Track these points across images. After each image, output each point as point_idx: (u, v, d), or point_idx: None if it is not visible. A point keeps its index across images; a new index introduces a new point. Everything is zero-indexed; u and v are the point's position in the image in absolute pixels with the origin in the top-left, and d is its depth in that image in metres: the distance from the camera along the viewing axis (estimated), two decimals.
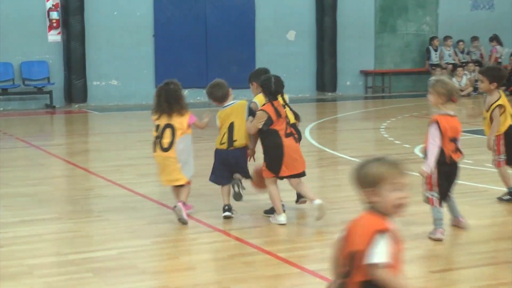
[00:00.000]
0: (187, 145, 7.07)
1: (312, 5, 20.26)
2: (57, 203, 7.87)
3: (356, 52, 20.72)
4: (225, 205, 7.10)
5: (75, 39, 17.84)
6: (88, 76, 18.15)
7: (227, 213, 7.06)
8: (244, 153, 7.10)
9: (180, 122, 7.01)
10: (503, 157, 7.52)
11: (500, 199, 7.64)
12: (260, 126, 6.83)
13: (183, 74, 19.06)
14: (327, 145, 11.61)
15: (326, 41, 20.10)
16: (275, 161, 6.81)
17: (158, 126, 7.05)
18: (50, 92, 17.80)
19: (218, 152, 7.12)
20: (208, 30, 18.89)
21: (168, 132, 6.99)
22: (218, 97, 7.12)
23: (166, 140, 6.98)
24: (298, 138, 7.09)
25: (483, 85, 7.56)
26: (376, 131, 13.44)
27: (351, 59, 20.66)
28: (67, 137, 14.07)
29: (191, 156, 7.13)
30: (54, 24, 17.90)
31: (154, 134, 7.09)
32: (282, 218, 6.87)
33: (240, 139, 7.03)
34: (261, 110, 6.91)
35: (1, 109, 17.67)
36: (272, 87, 6.98)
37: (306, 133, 12.79)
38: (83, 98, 18.11)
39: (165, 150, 6.99)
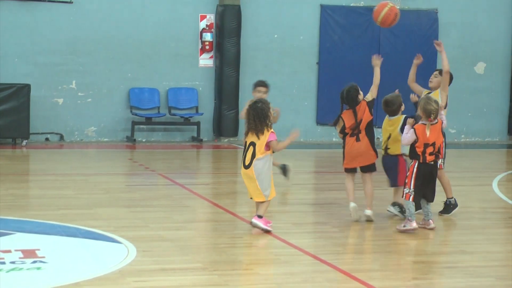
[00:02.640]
0: (266, 164, 8.64)
1: (508, 32, 19.90)
2: (201, 251, 8.14)
3: None
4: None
5: (228, 64, 18.42)
6: (240, 107, 18.64)
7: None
8: (397, 161, 9.57)
9: (262, 141, 8.63)
10: None
11: None
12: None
13: None
14: None
15: None
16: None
17: (245, 143, 8.75)
18: (197, 124, 18.44)
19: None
20: (382, 59, 18.90)
21: (251, 149, 8.68)
22: (389, 112, 9.67)
23: (248, 157, 8.68)
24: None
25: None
26: None
27: None
28: (214, 176, 14.51)
29: (268, 176, 8.67)
30: (207, 47, 18.57)
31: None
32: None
33: (393, 148, 9.58)
34: None
35: (144, 140, 18.48)
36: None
37: (494, 186, 12.53)
38: (234, 131, 18.62)
39: (246, 167, 8.70)
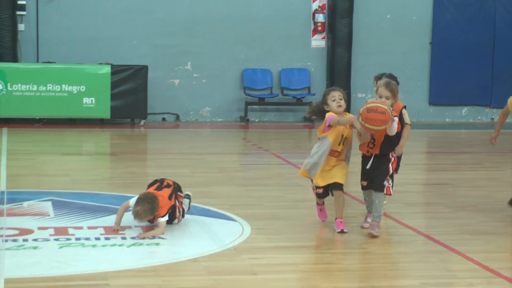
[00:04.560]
0: (318, 148, 8.18)
1: None
2: (314, 229, 8.18)
3: None
4: None
5: (340, 44, 18.38)
6: (352, 87, 18.59)
7: None
8: None
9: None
10: None
11: None
12: None
13: (463, 89, 18.91)
14: None
15: None
16: None
17: None
18: (310, 104, 18.43)
19: None
20: (497, 38, 18.51)
21: None
22: None
23: None
24: None
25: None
26: None
27: None
28: None
29: (315, 157, 8.24)
30: (319, 28, 18.56)
31: None
32: None
33: None
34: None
35: (256, 120, 18.63)
36: None
37: None
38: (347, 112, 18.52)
39: None
